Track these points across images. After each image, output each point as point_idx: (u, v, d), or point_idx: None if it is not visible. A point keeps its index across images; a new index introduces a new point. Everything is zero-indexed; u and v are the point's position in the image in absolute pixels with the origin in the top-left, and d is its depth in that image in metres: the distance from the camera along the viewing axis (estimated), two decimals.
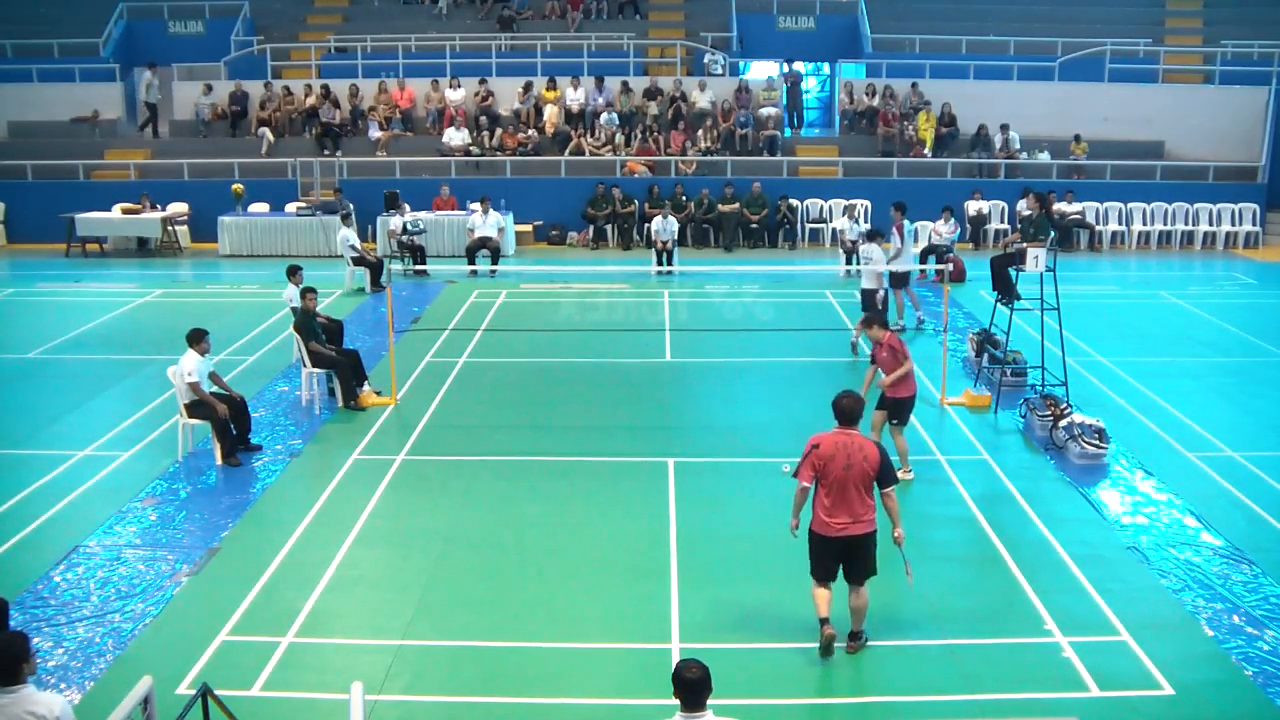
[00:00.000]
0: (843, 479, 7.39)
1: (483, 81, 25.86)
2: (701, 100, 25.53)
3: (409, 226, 20.95)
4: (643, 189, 23.75)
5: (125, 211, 23.11)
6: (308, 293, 13.18)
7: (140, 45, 29.27)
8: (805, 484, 7.48)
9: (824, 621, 7.56)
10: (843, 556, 7.55)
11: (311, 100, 25.74)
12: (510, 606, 8.43)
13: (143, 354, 15.30)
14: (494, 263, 20.90)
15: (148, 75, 26.40)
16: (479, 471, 11.15)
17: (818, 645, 7.59)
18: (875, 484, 7.48)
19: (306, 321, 13.01)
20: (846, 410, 7.59)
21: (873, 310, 14.88)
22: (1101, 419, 11.62)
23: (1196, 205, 24.28)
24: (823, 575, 7.60)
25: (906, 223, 16.31)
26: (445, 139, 24.95)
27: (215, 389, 11.55)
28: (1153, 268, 22.61)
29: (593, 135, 25.29)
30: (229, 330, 15.84)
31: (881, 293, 15.33)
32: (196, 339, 11.33)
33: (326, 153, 24.89)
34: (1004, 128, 24.90)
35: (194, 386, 11.18)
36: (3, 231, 24.68)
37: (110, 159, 25.57)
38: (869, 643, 7.77)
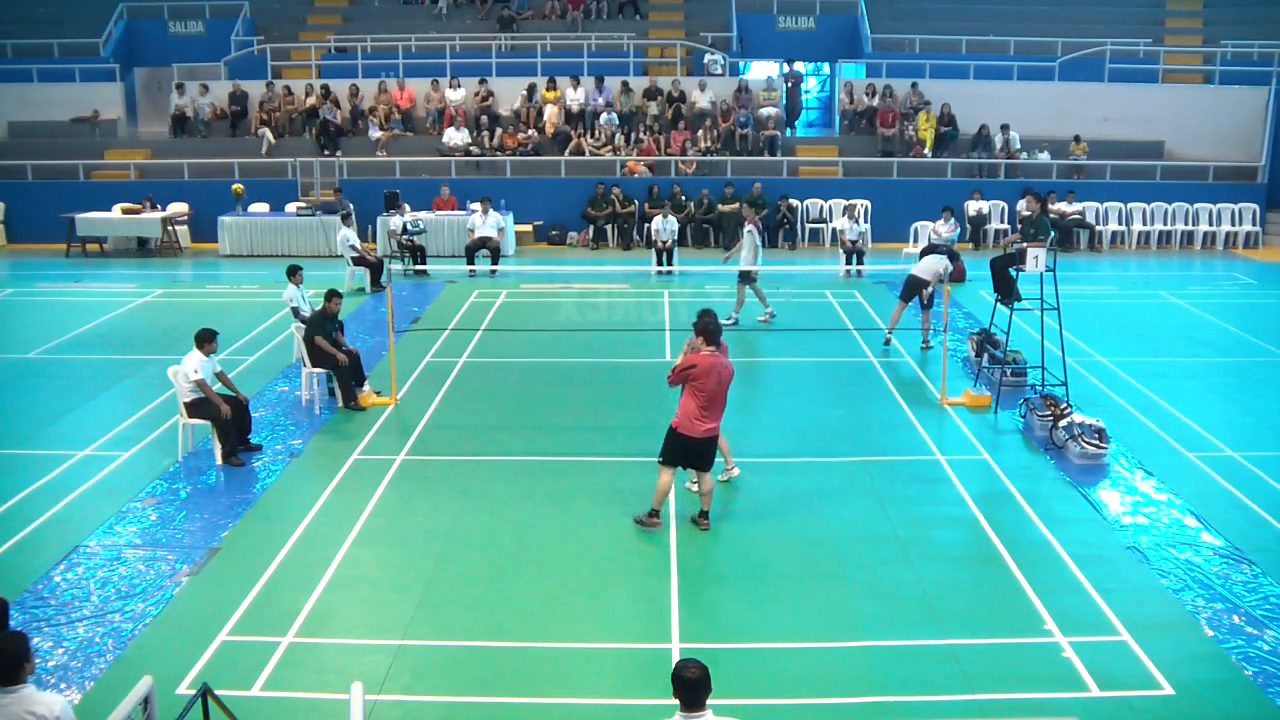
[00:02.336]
0: (714, 392, 9.09)
1: (483, 81, 25.86)
2: (701, 100, 25.52)
3: (409, 226, 20.95)
4: (643, 189, 23.75)
5: (125, 211, 23.11)
6: (333, 296, 13.07)
7: (140, 45, 29.33)
8: (672, 386, 9.40)
9: (655, 513, 9.53)
10: (694, 452, 9.32)
11: (311, 100, 25.74)
12: (510, 606, 8.43)
13: (143, 354, 15.31)
14: (494, 263, 20.89)
15: (184, 89, 26.33)
16: (479, 471, 11.16)
17: (639, 521, 9.60)
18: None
19: (323, 324, 12.92)
20: (714, 330, 9.26)
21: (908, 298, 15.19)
22: (1101, 419, 11.62)
23: (1196, 205, 24.28)
24: (674, 462, 9.43)
25: (758, 223, 16.56)
26: (445, 139, 24.95)
27: (221, 388, 11.55)
28: (1153, 268, 22.61)
29: (593, 135, 25.29)
30: (229, 330, 15.77)
31: (930, 290, 15.15)
32: (205, 339, 11.32)
33: (326, 153, 24.89)
34: (1004, 128, 24.90)
35: (200, 384, 11.17)
36: (3, 231, 24.67)
37: (110, 159, 25.57)
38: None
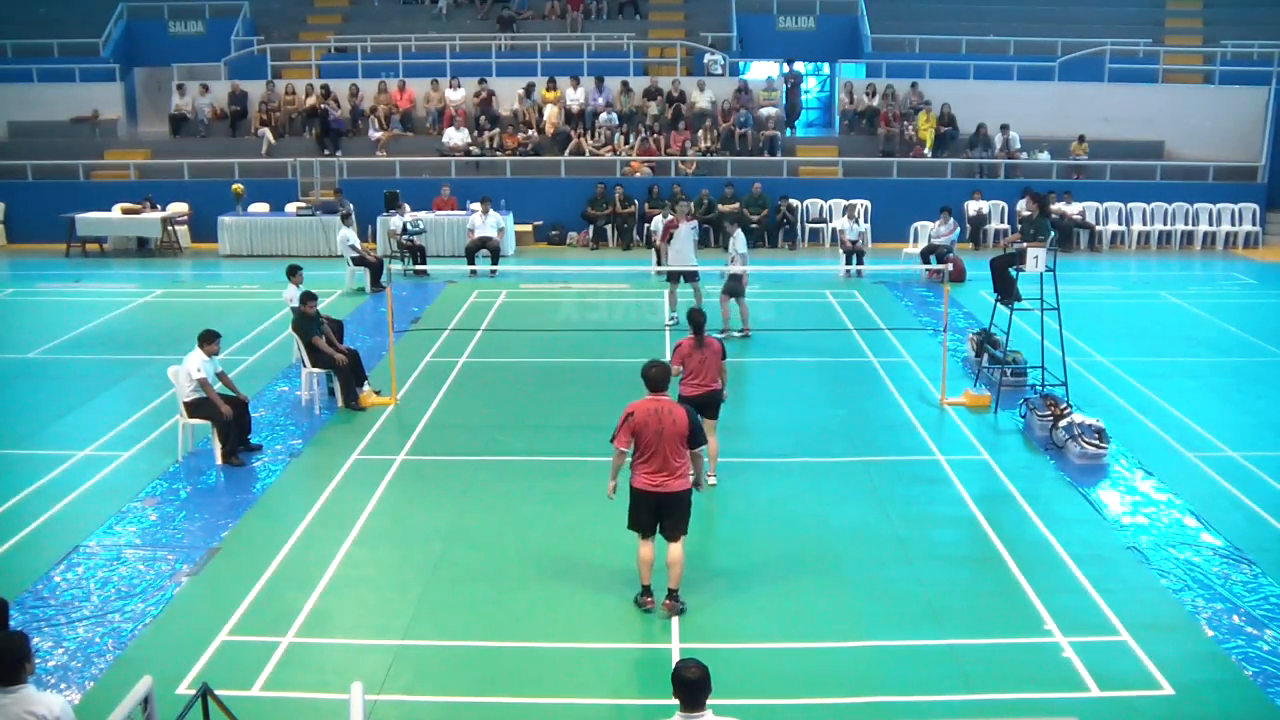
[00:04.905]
0: (655, 442, 8.03)
1: (483, 81, 25.86)
2: (701, 100, 25.52)
3: (409, 226, 20.95)
4: (643, 189, 23.75)
5: (125, 211, 23.11)
6: (307, 298, 13.11)
7: (140, 45, 29.32)
8: (622, 449, 8.17)
9: (646, 590, 8.28)
10: (660, 511, 8.15)
11: (311, 100, 25.74)
12: (510, 606, 8.43)
13: (143, 354, 15.31)
14: (494, 263, 20.90)
15: (184, 89, 26.34)
16: (479, 471, 11.16)
17: (635, 602, 8.32)
18: (687, 444, 8.10)
19: (306, 324, 12.95)
20: (655, 379, 8.20)
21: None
22: (1101, 419, 11.62)
23: (1196, 205, 24.27)
24: (642, 528, 8.23)
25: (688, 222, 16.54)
26: (445, 139, 24.95)
27: (222, 388, 11.55)
28: (1153, 268, 22.61)
29: (592, 135, 25.29)
30: (229, 330, 15.75)
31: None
32: (207, 340, 11.32)
33: (326, 153, 24.90)
34: (1004, 128, 24.89)
35: (203, 383, 11.17)
36: (3, 231, 24.66)
37: (110, 159, 25.57)
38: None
